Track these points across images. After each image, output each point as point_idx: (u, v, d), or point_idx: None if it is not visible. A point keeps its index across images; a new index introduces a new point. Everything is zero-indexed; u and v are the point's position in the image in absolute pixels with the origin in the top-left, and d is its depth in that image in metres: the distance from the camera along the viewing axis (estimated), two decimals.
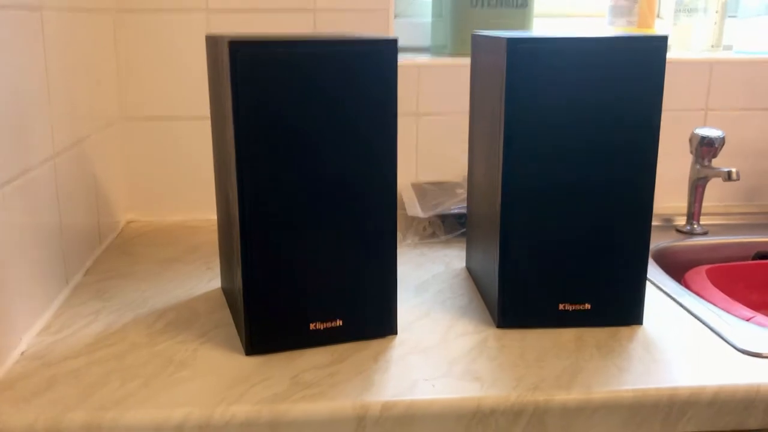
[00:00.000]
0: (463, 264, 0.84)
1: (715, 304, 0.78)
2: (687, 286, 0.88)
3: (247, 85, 0.56)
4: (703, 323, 0.68)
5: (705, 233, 1.00)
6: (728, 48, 1.15)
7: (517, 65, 0.60)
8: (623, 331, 0.66)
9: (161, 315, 0.70)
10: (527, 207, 0.64)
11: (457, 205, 0.94)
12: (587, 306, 0.66)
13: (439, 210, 0.92)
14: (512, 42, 0.60)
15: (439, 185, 1.03)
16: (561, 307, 0.66)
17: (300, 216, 0.60)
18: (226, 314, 0.70)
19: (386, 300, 0.64)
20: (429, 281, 0.79)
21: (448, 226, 0.94)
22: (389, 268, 0.63)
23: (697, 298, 0.76)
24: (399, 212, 1.01)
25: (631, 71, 0.60)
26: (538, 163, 0.62)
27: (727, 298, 0.82)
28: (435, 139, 1.04)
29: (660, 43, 0.61)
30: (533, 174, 0.63)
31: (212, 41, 0.65)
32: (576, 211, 0.64)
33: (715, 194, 1.08)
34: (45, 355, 0.61)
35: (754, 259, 0.98)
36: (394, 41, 0.59)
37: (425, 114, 1.04)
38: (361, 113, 0.59)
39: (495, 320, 0.67)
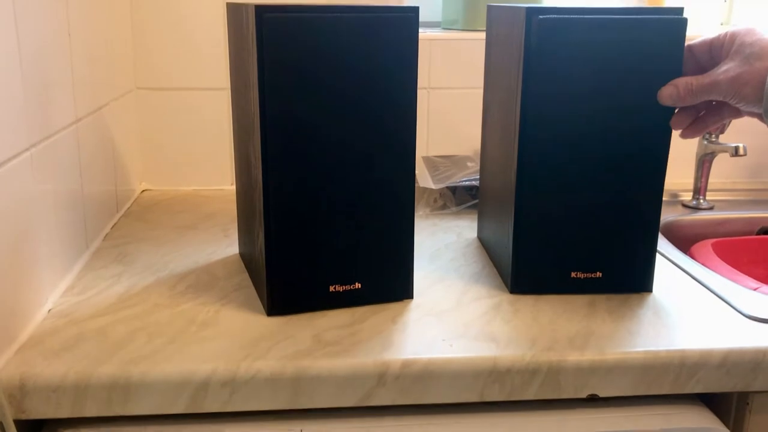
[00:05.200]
0: (475, 234, 0.86)
1: (721, 275, 0.80)
2: (693, 258, 0.90)
3: (274, 50, 0.57)
4: (711, 291, 0.70)
5: (711, 208, 1.01)
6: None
7: (536, 37, 0.62)
8: (633, 298, 0.68)
9: (182, 278, 0.72)
10: (542, 179, 0.65)
11: (467, 177, 0.95)
12: (598, 274, 0.67)
13: (451, 182, 0.94)
14: (531, 12, 0.61)
15: (449, 158, 1.05)
16: (573, 275, 0.67)
17: (321, 182, 0.61)
18: (245, 278, 0.72)
19: (403, 265, 0.66)
20: (442, 250, 0.81)
21: (459, 198, 0.95)
22: (406, 235, 0.65)
23: (704, 268, 0.78)
24: None
25: (652, 47, 0.61)
26: (553, 136, 0.64)
27: (733, 269, 0.84)
28: (446, 113, 1.06)
29: (680, 21, 0.62)
30: (549, 146, 0.64)
31: (235, 8, 0.66)
32: (589, 183, 0.65)
33: (721, 170, 1.10)
34: (71, 314, 0.63)
35: (758, 234, 1.00)
36: (416, 9, 0.60)
37: (436, 88, 1.05)
38: (384, 80, 0.60)
39: (508, 286, 0.69)
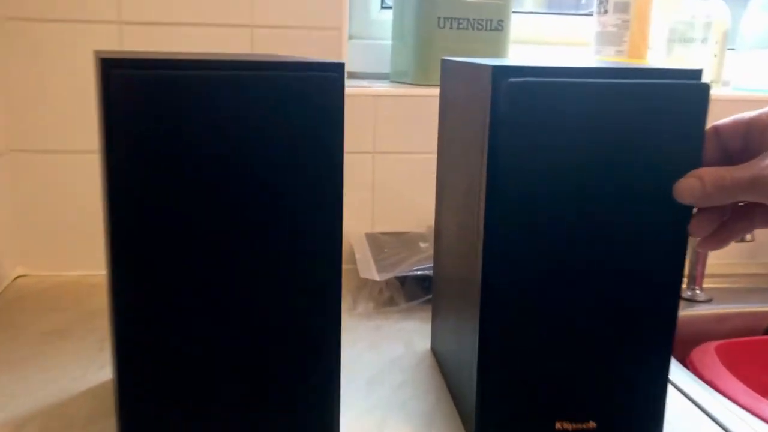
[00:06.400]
0: (428, 344, 0.68)
1: (737, 401, 0.63)
2: (694, 368, 0.73)
3: (124, 117, 0.39)
4: None
5: (709, 300, 0.85)
6: (726, 84, 1.02)
7: (506, 105, 0.45)
8: None
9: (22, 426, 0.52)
10: (515, 287, 0.47)
11: (420, 264, 0.78)
12: (592, 425, 0.50)
13: (399, 271, 0.76)
14: (499, 73, 0.45)
15: (399, 236, 0.87)
16: (558, 426, 0.50)
17: (199, 294, 0.43)
18: (109, 425, 0.52)
19: (324, 410, 0.47)
20: (385, 370, 0.62)
21: (410, 291, 0.77)
22: (330, 370, 0.47)
23: (719, 396, 0.61)
24: (349, 269, 0.84)
25: (663, 122, 0.45)
26: (531, 229, 0.46)
27: (749, 391, 0.67)
28: (394, 181, 0.88)
29: (702, 88, 0.45)
30: (525, 243, 0.47)
31: (97, 60, 0.48)
32: (580, 297, 0.48)
33: (715, 251, 0.94)
34: None
35: (766, 332, 0.84)
36: (340, 66, 0.43)
37: (383, 152, 0.88)
38: (290, 154, 0.42)
39: None
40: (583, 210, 0.46)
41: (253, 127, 0.41)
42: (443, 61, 0.61)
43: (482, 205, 0.47)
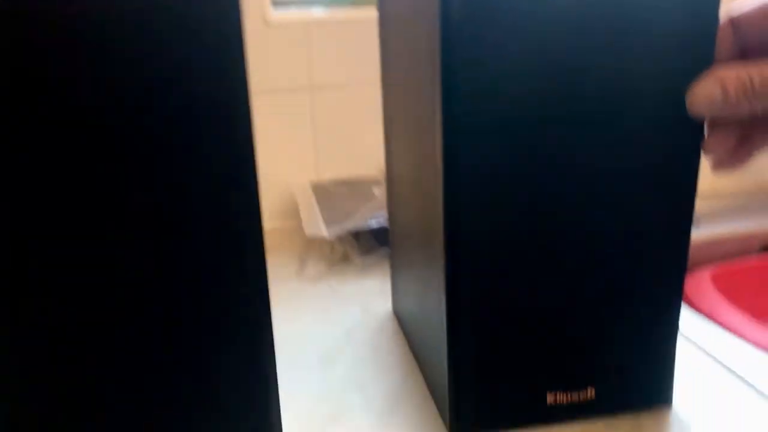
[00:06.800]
0: (389, 304, 0.58)
1: (744, 336, 0.55)
2: (689, 300, 0.65)
3: None
4: (750, 385, 0.45)
5: (696, 224, 0.77)
6: None
7: (459, 16, 0.34)
8: (644, 422, 0.42)
9: None
10: (487, 227, 0.38)
11: (375, 213, 0.68)
12: (590, 393, 0.41)
13: (351, 224, 0.66)
14: None
15: (349, 184, 0.77)
16: (550, 399, 0.41)
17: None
18: None
19: (257, 408, 0.37)
20: (340, 344, 0.53)
21: (365, 244, 0.68)
22: (259, 358, 0.37)
23: (723, 334, 0.53)
24: (295, 226, 0.73)
25: (663, 7, 0.35)
26: (503, 157, 0.36)
27: (753, 321, 0.60)
28: (338, 119, 0.77)
29: None
30: (495, 173, 0.37)
31: None
32: (569, 235, 0.38)
33: None
34: None
35: (761, 252, 0.77)
36: None
37: (323, 87, 0.76)
38: (181, 103, 0.31)
39: (446, 421, 0.42)
40: (564, 131, 0.36)
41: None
42: None
43: (438, 137, 0.36)
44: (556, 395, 0.41)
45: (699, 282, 0.67)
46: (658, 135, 0.37)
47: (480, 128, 0.35)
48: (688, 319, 0.55)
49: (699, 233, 0.75)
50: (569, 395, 0.41)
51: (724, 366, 0.48)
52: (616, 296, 0.39)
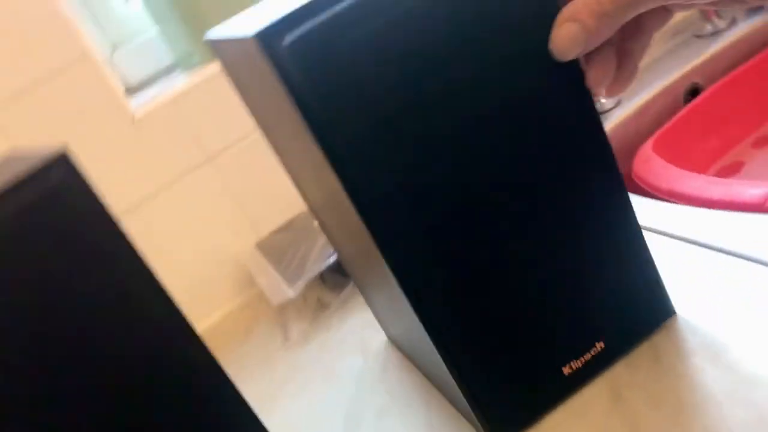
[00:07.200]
0: (382, 334, 0.58)
1: (711, 199, 0.56)
2: (644, 181, 0.66)
3: None
4: (750, 259, 0.45)
5: (618, 103, 0.77)
6: None
7: (297, 72, 0.32)
8: (659, 343, 0.42)
9: None
10: (413, 226, 0.36)
11: (328, 248, 0.67)
12: (599, 347, 0.41)
13: (311, 272, 0.65)
14: (267, 40, 0.32)
15: (291, 229, 0.75)
16: (566, 370, 0.41)
17: None
18: None
19: None
20: (354, 399, 0.52)
21: (332, 282, 0.67)
22: None
23: (690, 208, 0.54)
24: (257, 293, 0.72)
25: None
26: (398, 161, 0.35)
27: (710, 179, 0.61)
28: (250, 172, 0.76)
29: None
30: (398, 181, 0.35)
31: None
32: (500, 201, 0.37)
33: None
34: None
35: (687, 99, 0.77)
36: (63, 158, 0.29)
37: (219, 153, 0.74)
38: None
39: (485, 429, 0.42)
40: (449, 132, 0.35)
41: None
42: (210, 42, 0.47)
43: (334, 176, 0.35)
44: (570, 365, 0.41)
45: (645, 159, 0.68)
46: (543, 90, 0.36)
47: (364, 140, 0.34)
48: (649, 209, 0.55)
49: (624, 111, 0.75)
50: (581, 359, 0.41)
51: (702, 245, 0.48)
52: (571, 239, 0.39)
